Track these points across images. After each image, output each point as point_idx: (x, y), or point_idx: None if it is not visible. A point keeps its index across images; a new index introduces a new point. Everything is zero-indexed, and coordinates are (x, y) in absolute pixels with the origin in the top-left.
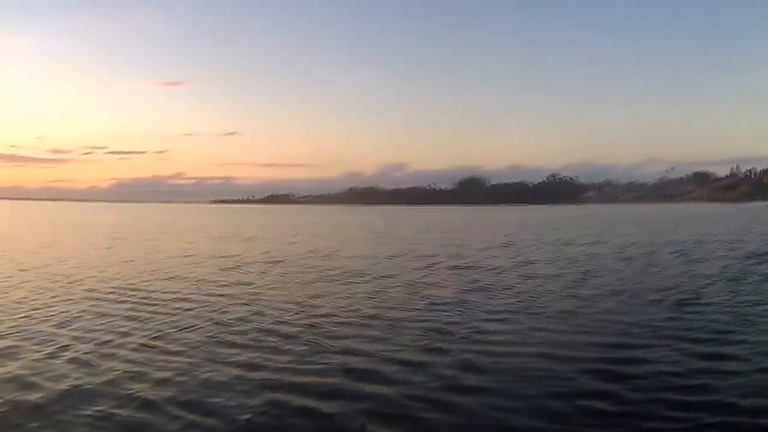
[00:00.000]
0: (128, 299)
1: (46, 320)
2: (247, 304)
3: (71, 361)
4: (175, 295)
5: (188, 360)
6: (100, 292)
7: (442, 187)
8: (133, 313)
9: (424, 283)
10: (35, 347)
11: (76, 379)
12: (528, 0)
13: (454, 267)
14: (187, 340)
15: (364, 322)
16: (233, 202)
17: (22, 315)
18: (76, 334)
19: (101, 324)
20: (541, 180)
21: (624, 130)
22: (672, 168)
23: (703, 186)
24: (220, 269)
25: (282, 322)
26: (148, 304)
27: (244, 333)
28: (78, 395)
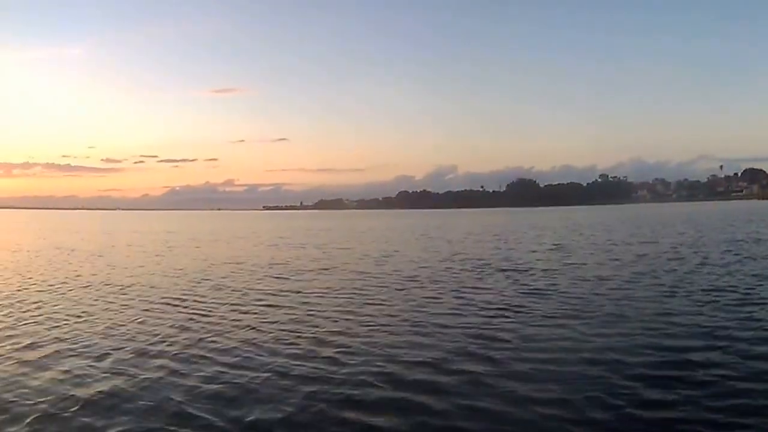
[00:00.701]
0: (176, 306)
1: (93, 326)
2: (295, 311)
3: (113, 366)
4: (222, 302)
5: (231, 367)
6: (149, 300)
7: (493, 189)
8: (180, 321)
9: (474, 287)
10: (81, 354)
11: (116, 384)
12: None
13: (505, 270)
14: (231, 347)
15: (413, 329)
16: (284, 208)
17: (72, 321)
18: (120, 339)
19: (147, 330)
20: (592, 180)
21: (673, 127)
22: (722, 166)
23: (754, 183)
24: (271, 276)
25: (331, 331)
26: (195, 312)
27: (289, 341)
28: (117, 401)
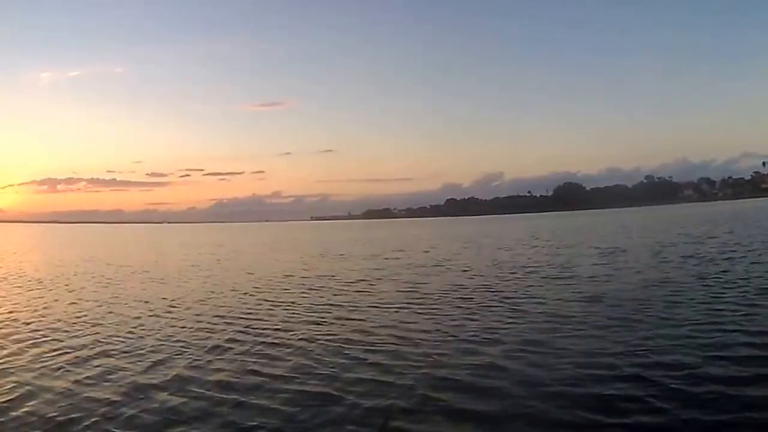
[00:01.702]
0: (229, 318)
1: (147, 336)
2: (348, 322)
3: (169, 373)
4: (274, 314)
5: (279, 376)
6: (200, 314)
7: (540, 194)
8: (230, 331)
9: (525, 295)
10: (136, 361)
11: (171, 397)
12: None
13: (556, 277)
14: (279, 357)
15: (463, 338)
16: (331, 219)
17: (123, 335)
18: (174, 348)
19: (199, 343)
20: (637, 181)
21: (716, 126)
22: (764, 162)
23: None
24: (321, 287)
25: (373, 344)
26: (244, 321)
27: (343, 352)
28: (173, 415)
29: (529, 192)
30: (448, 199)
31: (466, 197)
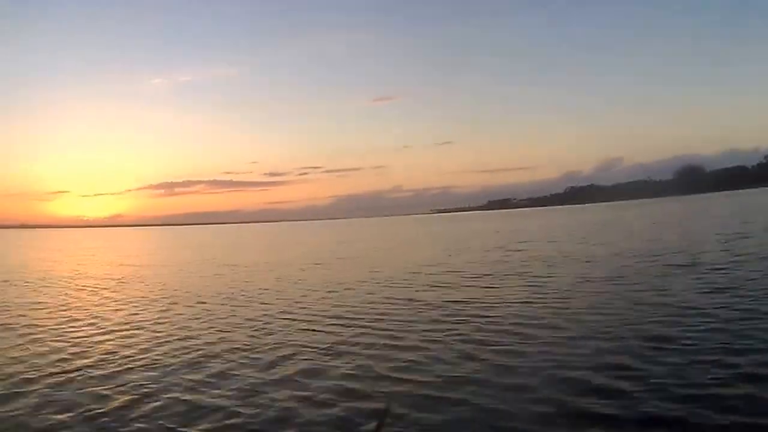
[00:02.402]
0: (352, 317)
1: (267, 335)
2: (465, 320)
3: (281, 379)
4: (391, 312)
5: (398, 379)
6: (318, 311)
7: (660, 179)
8: (350, 331)
9: (650, 285)
10: (256, 361)
11: (291, 390)
12: None
13: (681, 266)
14: (396, 357)
15: (586, 335)
16: (453, 210)
17: (247, 331)
18: (293, 347)
19: (316, 338)
20: (756, 162)
21: None
22: None
23: None
24: (443, 283)
25: (497, 342)
26: (364, 320)
27: (459, 351)
28: (288, 409)
29: (649, 177)
30: (568, 187)
31: (587, 184)
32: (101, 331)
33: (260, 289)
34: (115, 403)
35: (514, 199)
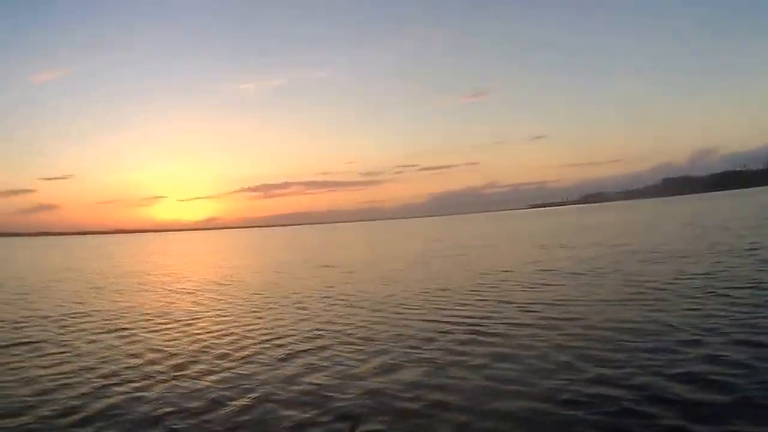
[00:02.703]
0: (437, 314)
1: (362, 332)
2: (558, 319)
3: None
4: (484, 310)
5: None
6: (410, 308)
7: (757, 168)
8: (439, 328)
9: (746, 283)
10: (353, 355)
11: (383, 383)
12: None
13: None
14: (475, 353)
15: (685, 329)
16: (548, 205)
17: (344, 328)
18: (384, 346)
19: (408, 335)
20: None
21: None
22: None
23: None
24: (538, 282)
25: (595, 340)
26: (456, 318)
27: (554, 350)
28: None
29: (745, 166)
30: (662, 179)
31: (681, 175)
32: (199, 331)
33: (358, 289)
34: (209, 400)
35: (609, 192)
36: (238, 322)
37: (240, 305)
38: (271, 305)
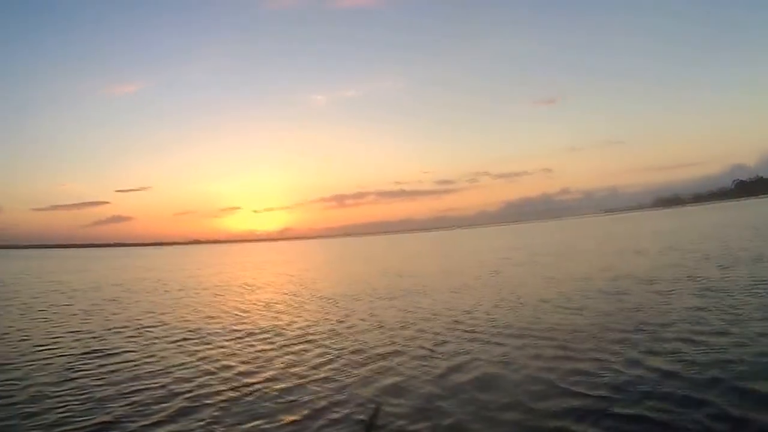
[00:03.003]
0: (514, 324)
1: (442, 341)
2: (632, 325)
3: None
4: (560, 320)
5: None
6: (488, 318)
7: None
8: (515, 335)
9: None
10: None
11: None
12: None
13: None
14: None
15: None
16: (621, 211)
17: (422, 337)
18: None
19: (488, 343)
20: None
21: None
22: None
23: None
24: (612, 290)
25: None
26: (535, 327)
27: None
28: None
29: None
30: (735, 181)
31: (753, 177)
32: (275, 345)
33: (433, 299)
34: (286, 415)
35: (681, 196)
36: (302, 334)
37: (309, 316)
38: (342, 316)
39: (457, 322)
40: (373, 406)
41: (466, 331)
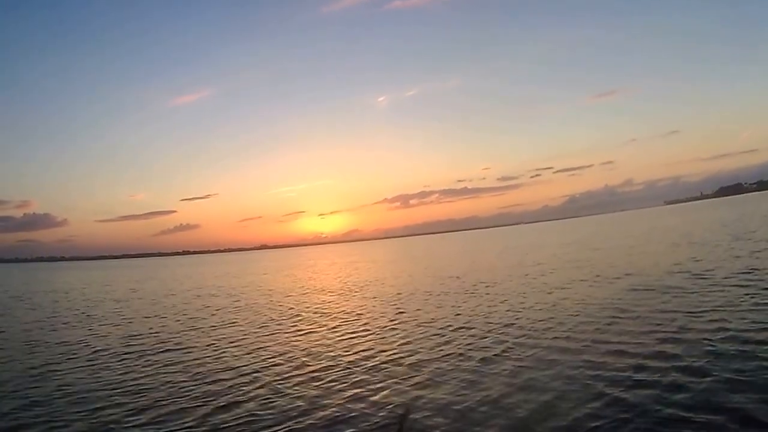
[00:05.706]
0: (575, 317)
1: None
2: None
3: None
4: (614, 321)
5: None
6: (537, 313)
7: None
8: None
9: None
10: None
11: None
12: None
13: None
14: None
15: None
16: (685, 200)
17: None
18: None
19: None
20: None
21: None
22: None
23: None
24: (676, 286)
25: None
26: (593, 326)
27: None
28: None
29: None
30: None
31: None
32: (330, 339)
33: (490, 300)
34: (320, 410)
35: (745, 183)
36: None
37: (366, 314)
38: (394, 317)
39: (502, 317)
40: (403, 408)
41: (502, 324)
